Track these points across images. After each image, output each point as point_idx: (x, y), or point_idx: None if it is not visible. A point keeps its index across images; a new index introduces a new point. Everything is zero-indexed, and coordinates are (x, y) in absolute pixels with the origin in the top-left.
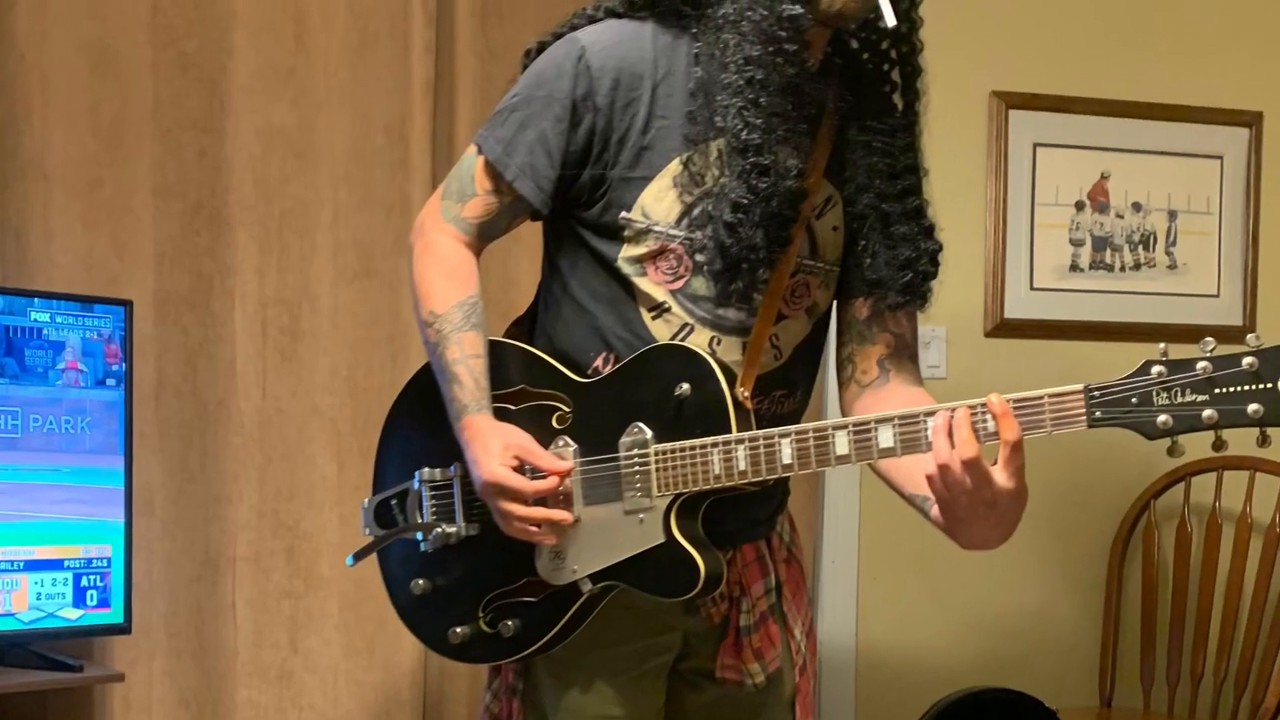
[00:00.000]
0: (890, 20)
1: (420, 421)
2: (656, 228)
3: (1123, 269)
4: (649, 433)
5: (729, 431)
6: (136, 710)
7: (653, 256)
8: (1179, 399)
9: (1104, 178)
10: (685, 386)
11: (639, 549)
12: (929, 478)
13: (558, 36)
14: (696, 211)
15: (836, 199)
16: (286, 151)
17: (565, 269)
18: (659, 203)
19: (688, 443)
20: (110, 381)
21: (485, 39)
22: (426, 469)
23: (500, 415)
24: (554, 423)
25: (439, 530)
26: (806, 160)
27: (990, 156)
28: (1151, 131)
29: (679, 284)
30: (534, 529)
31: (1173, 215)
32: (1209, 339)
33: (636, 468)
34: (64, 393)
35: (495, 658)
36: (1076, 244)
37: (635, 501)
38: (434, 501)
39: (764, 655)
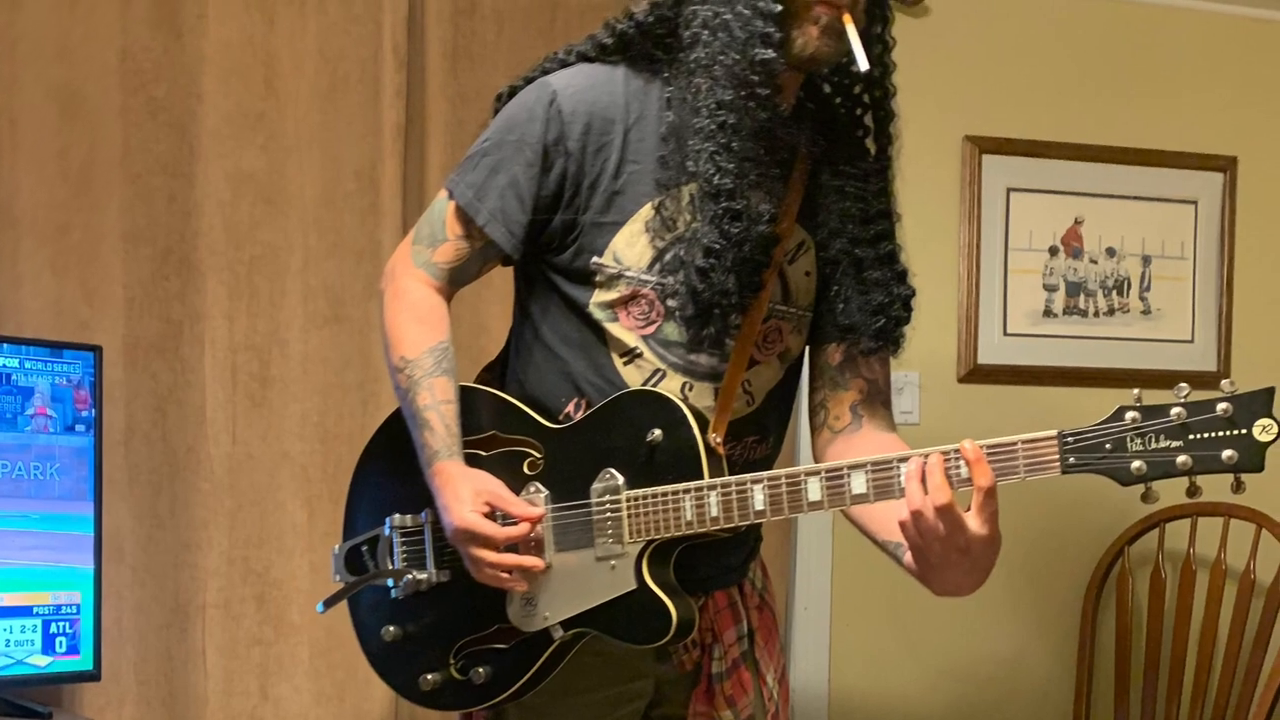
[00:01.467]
0: (863, 65)
1: (391, 467)
2: (628, 273)
3: (1097, 314)
4: (621, 479)
5: (701, 477)
6: None
7: (624, 302)
8: (1153, 445)
9: (1078, 223)
10: (657, 432)
11: (611, 595)
12: (902, 524)
13: (529, 81)
14: (668, 257)
15: (809, 244)
16: (256, 197)
17: (536, 314)
18: (631, 248)
19: (660, 489)
20: (80, 427)
21: (456, 83)
22: (397, 515)
23: (471, 461)
24: (525, 469)
25: (410, 577)
26: (779, 205)
27: (963, 201)
28: (1125, 176)
29: (651, 329)
30: (505, 575)
31: (1147, 260)
32: (1183, 385)
33: (608, 514)
34: (33, 438)
35: (467, 705)
36: (1050, 289)
37: (607, 548)
38: (405, 548)
39: (736, 702)
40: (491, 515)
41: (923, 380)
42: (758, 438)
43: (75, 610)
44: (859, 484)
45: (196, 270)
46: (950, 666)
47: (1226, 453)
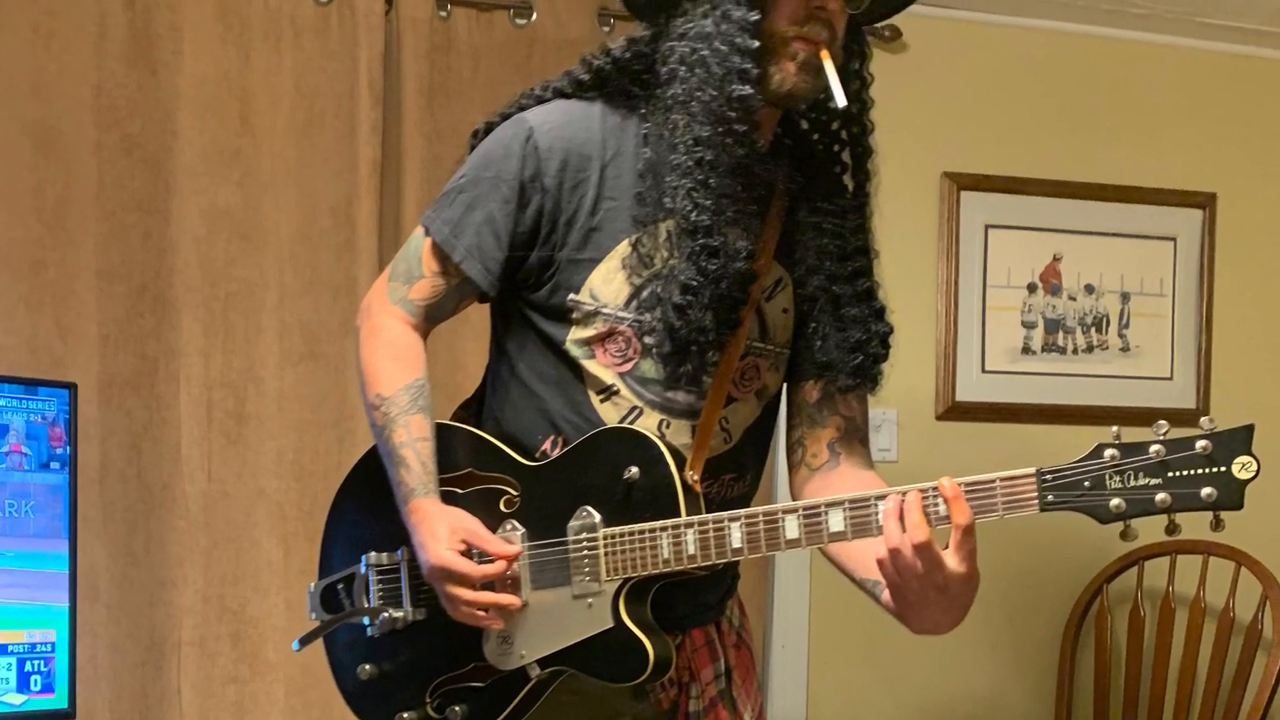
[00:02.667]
0: (841, 101)
1: (367, 505)
2: (605, 310)
3: (1075, 351)
4: (597, 516)
5: (678, 515)
6: None
7: (601, 339)
8: (1132, 482)
9: (1056, 259)
10: (634, 470)
11: (588, 633)
12: (880, 562)
13: (505, 117)
14: (645, 293)
15: (786, 281)
16: (232, 233)
17: (513, 351)
18: (607, 284)
19: (636, 527)
20: (55, 465)
21: (432, 119)
22: (373, 553)
23: (447, 499)
24: (502, 506)
25: (386, 615)
26: (756, 242)
27: (942, 238)
28: (1104, 213)
29: (628, 366)
30: (481, 614)
31: (1126, 297)
32: (1162, 422)
33: (585, 552)
34: (7, 476)
35: None
36: (1029, 326)
37: (584, 586)
38: (381, 586)
39: None
40: (468, 553)
41: (901, 418)
42: (735, 475)
43: (50, 648)
44: (837, 522)
45: (172, 307)
46: (928, 705)
47: (1206, 490)
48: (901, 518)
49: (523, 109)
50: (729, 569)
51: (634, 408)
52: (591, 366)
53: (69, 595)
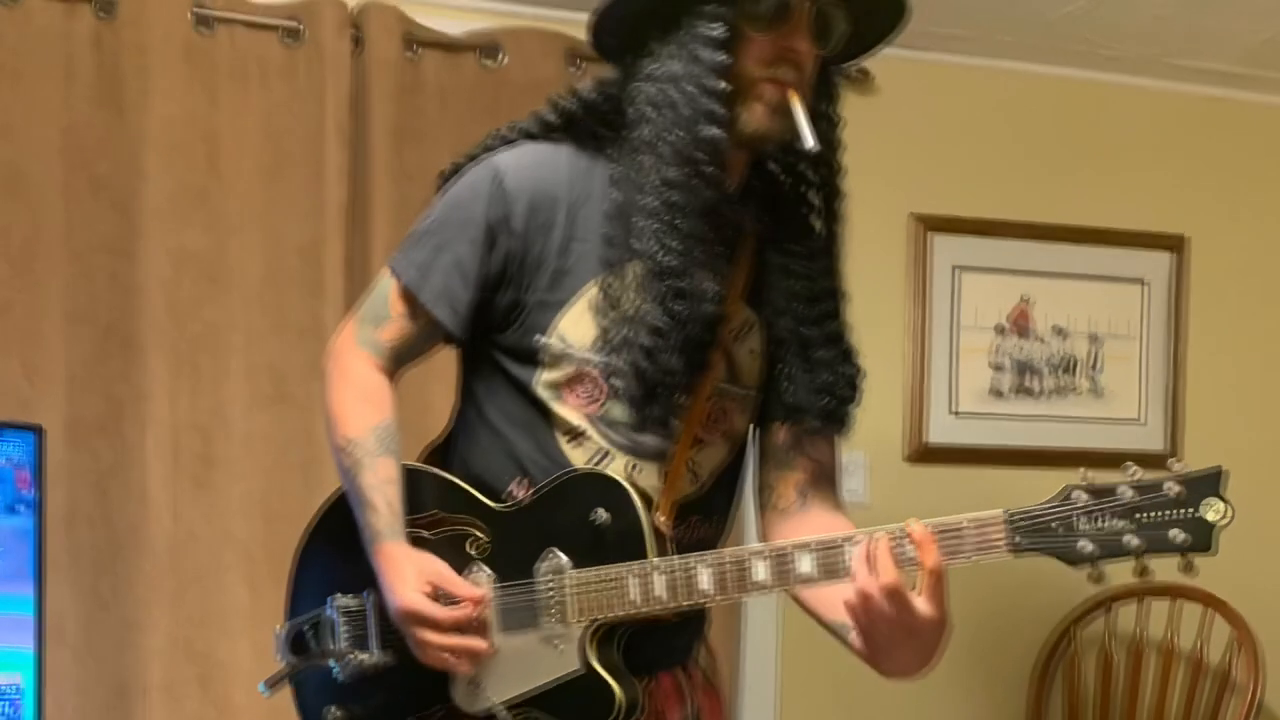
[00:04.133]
0: (810, 143)
1: (334, 548)
2: (573, 352)
3: (1045, 394)
4: (566, 559)
5: (646, 558)
6: None
7: (569, 381)
8: (1102, 525)
9: (1026, 301)
10: (602, 513)
11: (556, 676)
12: (849, 605)
13: (473, 159)
14: (613, 336)
15: (755, 323)
16: (199, 275)
17: (481, 393)
18: (576, 327)
19: (605, 569)
20: (21, 508)
21: (400, 161)
22: (341, 596)
23: (415, 542)
24: (470, 549)
25: (353, 658)
26: (725, 284)
27: (911, 280)
28: (1073, 255)
29: (596, 409)
30: (449, 657)
31: (1095, 340)
32: (1131, 464)
33: (553, 595)
34: None
35: None
36: (998, 369)
37: (552, 629)
38: (348, 629)
39: None
40: (436, 596)
41: (871, 460)
42: (703, 518)
43: (17, 692)
44: (806, 565)
45: (139, 349)
46: None
47: (1175, 533)
48: (870, 561)
49: (490, 150)
50: (698, 612)
51: (602, 450)
52: (560, 409)
53: (35, 639)
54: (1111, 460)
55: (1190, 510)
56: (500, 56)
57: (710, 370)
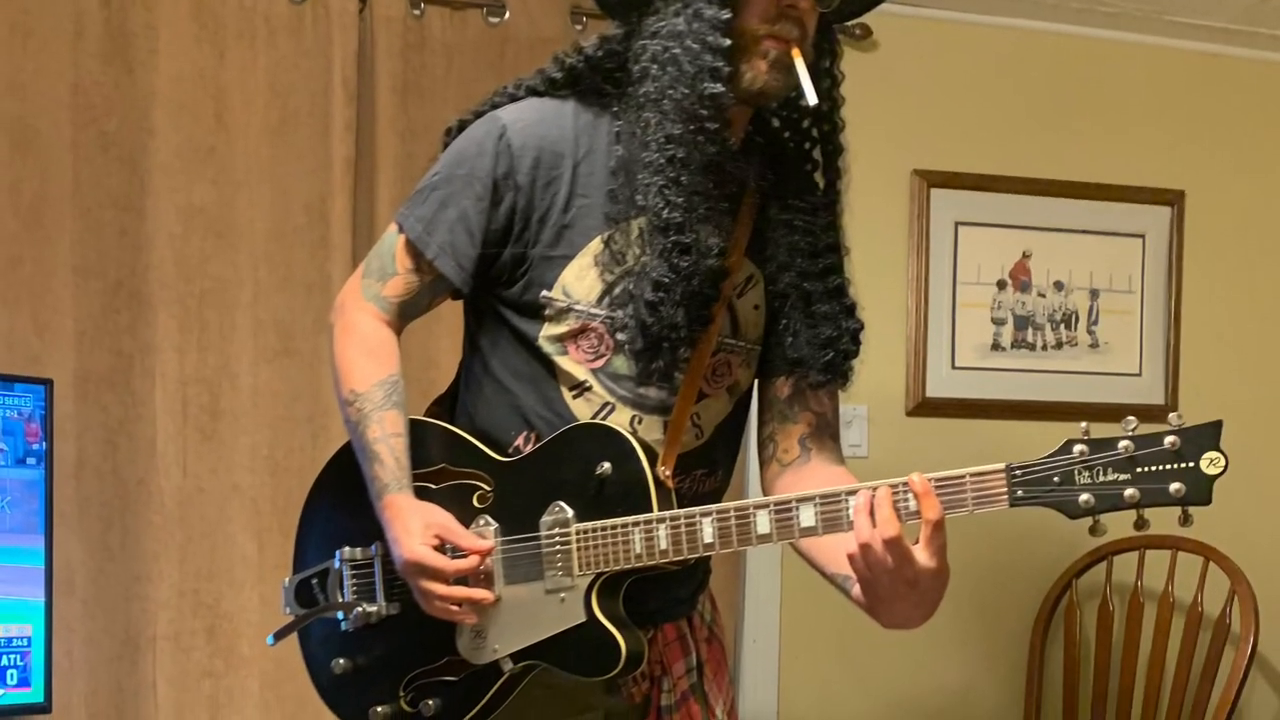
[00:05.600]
0: (812, 99)
1: (341, 500)
2: (577, 307)
3: (1045, 348)
4: (570, 512)
5: (650, 510)
6: None
7: (574, 335)
8: (1101, 478)
9: (1026, 256)
10: (606, 465)
11: (560, 628)
12: (850, 557)
13: (478, 115)
14: (618, 290)
15: (758, 277)
16: (207, 230)
17: (486, 348)
18: (580, 281)
19: (609, 522)
20: (30, 460)
21: (406, 117)
22: (347, 548)
23: (421, 494)
24: (475, 502)
25: (360, 609)
26: (728, 239)
27: (912, 235)
28: (1073, 210)
29: (600, 363)
30: (455, 608)
31: (1094, 294)
32: (1131, 418)
33: (558, 547)
34: None
35: None
36: (998, 323)
37: (556, 580)
38: (355, 581)
39: None
40: (441, 548)
41: (871, 413)
42: (706, 471)
43: (26, 642)
44: (807, 517)
45: (147, 304)
46: (899, 699)
47: (1174, 486)
48: (872, 513)
49: (495, 107)
50: (701, 564)
51: (606, 403)
52: (564, 363)
53: (45, 590)
54: (1110, 413)
55: (1189, 463)
56: (505, 13)
57: (713, 324)
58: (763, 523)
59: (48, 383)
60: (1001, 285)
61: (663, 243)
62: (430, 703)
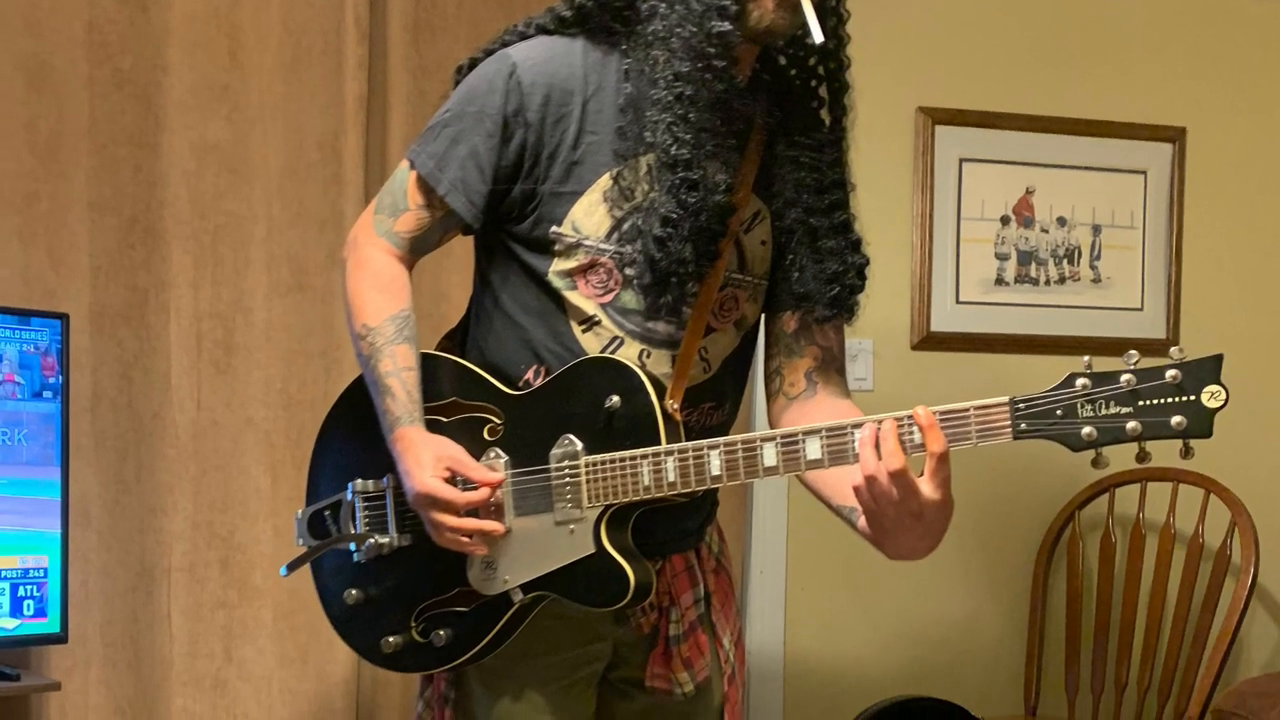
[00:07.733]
0: (818, 37)
1: (353, 434)
2: (586, 242)
3: (1048, 283)
4: (579, 444)
5: (658, 443)
6: (73, 719)
7: (583, 270)
8: (1103, 411)
9: (1029, 192)
10: (615, 399)
11: (569, 559)
12: (856, 489)
13: (489, 53)
14: (626, 226)
15: (764, 213)
16: (221, 167)
17: (496, 283)
18: (589, 217)
19: (617, 454)
20: (47, 394)
21: (418, 55)
22: (359, 480)
23: (432, 427)
24: (485, 435)
25: (372, 541)
26: (735, 175)
27: (916, 171)
28: (1076, 147)
29: (609, 297)
30: (465, 540)
31: (1097, 230)
32: (1133, 352)
33: (567, 479)
34: (1, 405)
35: (428, 667)
36: (1002, 258)
37: (566, 512)
38: (367, 512)
39: (693, 664)
40: (452, 480)
41: (876, 347)
42: (714, 404)
43: (42, 574)
44: (814, 449)
45: (162, 239)
46: (904, 629)
47: (1175, 419)
48: (877, 446)
49: (506, 45)
50: (708, 496)
51: (615, 338)
52: (573, 297)
53: (61, 522)
54: (1113, 347)
55: (1190, 396)
56: None
57: (720, 259)
58: (769, 455)
59: (64, 317)
60: (1005, 221)
61: (671, 179)
62: (441, 633)
